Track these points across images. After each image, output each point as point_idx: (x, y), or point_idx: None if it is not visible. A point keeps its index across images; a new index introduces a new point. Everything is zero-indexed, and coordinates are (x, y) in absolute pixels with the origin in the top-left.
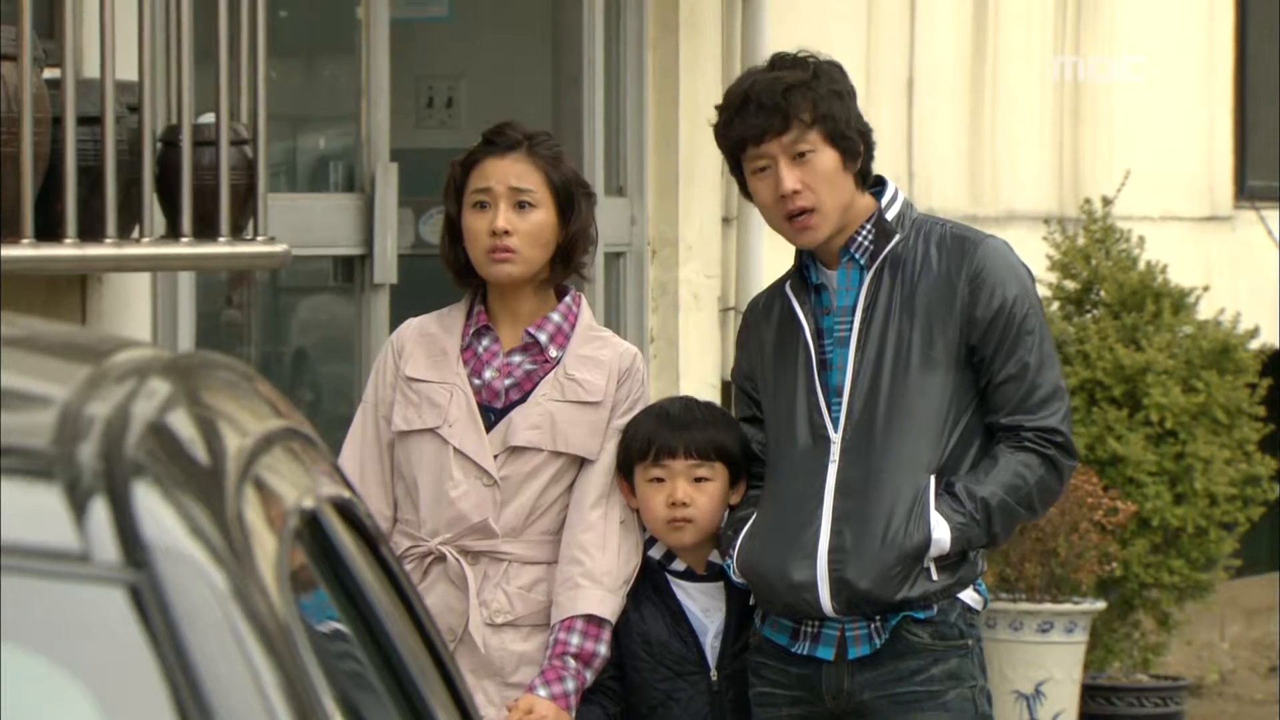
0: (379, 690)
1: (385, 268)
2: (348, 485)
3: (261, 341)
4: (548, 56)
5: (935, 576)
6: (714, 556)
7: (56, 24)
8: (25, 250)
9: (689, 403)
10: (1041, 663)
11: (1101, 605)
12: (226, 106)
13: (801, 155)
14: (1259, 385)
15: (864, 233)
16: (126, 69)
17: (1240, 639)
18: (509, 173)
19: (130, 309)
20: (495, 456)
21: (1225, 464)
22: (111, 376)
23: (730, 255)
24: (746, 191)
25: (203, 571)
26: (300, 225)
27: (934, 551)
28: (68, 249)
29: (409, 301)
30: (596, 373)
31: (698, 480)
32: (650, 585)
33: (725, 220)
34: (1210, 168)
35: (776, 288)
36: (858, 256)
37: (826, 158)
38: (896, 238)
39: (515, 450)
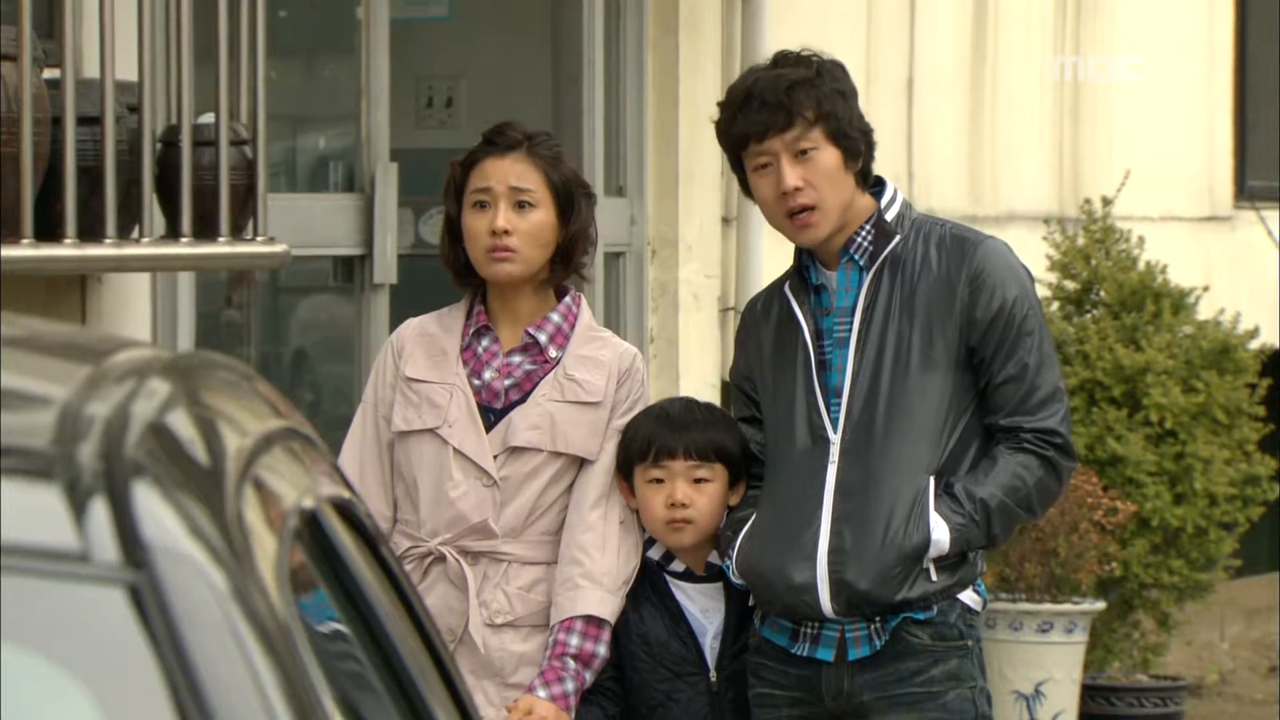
0: (379, 690)
1: (385, 268)
2: (348, 485)
3: (261, 341)
4: (548, 56)
5: (935, 577)
6: (713, 557)
7: (56, 24)
8: (25, 250)
9: (689, 403)
10: (1041, 663)
11: (1101, 605)
12: (226, 106)
13: (804, 153)
14: (1259, 385)
15: (863, 233)
16: (126, 69)
17: (1240, 639)
18: (509, 172)
19: (130, 309)
20: (495, 457)
21: (1225, 464)
22: (111, 376)
23: (730, 255)
24: (747, 189)
25: (202, 571)
26: (300, 225)
27: (933, 552)
28: (67, 249)
29: (409, 301)
30: (596, 373)
31: (697, 481)
32: (649, 586)
33: (725, 220)
34: (1210, 168)
35: (775, 288)
36: (857, 257)
37: (828, 156)
38: (896, 238)
39: (515, 451)
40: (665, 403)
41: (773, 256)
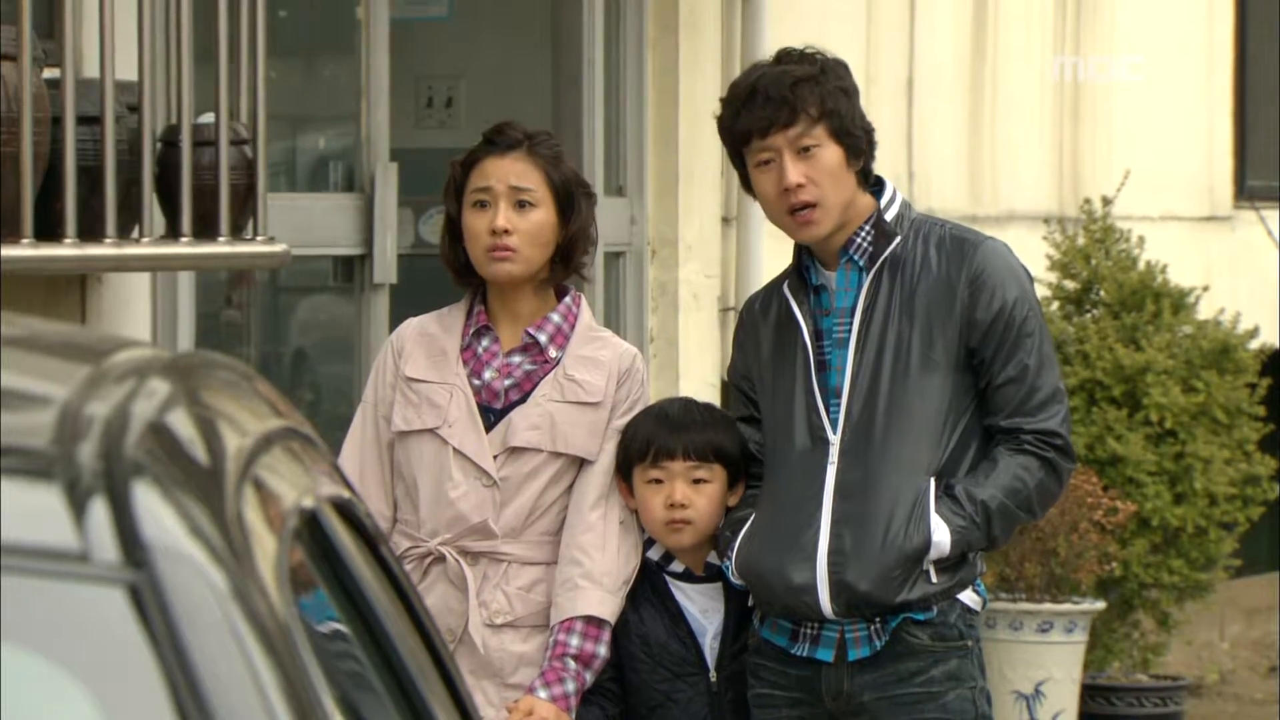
0: (379, 690)
1: (385, 268)
2: (347, 485)
3: (261, 341)
4: (547, 56)
5: (935, 579)
6: (712, 558)
7: (56, 24)
8: (25, 250)
9: (688, 404)
10: (1041, 663)
11: (1101, 605)
12: (226, 106)
13: (806, 150)
14: (1259, 385)
15: (863, 234)
16: (126, 69)
17: (1240, 639)
18: (509, 172)
19: (130, 309)
20: (495, 457)
21: (1225, 464)
22: (111, 376)
23: (730, 255)
24: (748, 185)
25: (202, 571)
26: (300, 225)
27: (934, 554)
28: (67, 249)
29: (409, 301)
30: (596, 373)
31: (696, 482)
32: (649, 586)
33: (725, 220)
34: (1210, 168)
35: (773, 287)
36: (856, 258)
37: (831, 153)
38: (896, 239)
39: (515, 451)
40: (664, 403)
41: (772, 256)
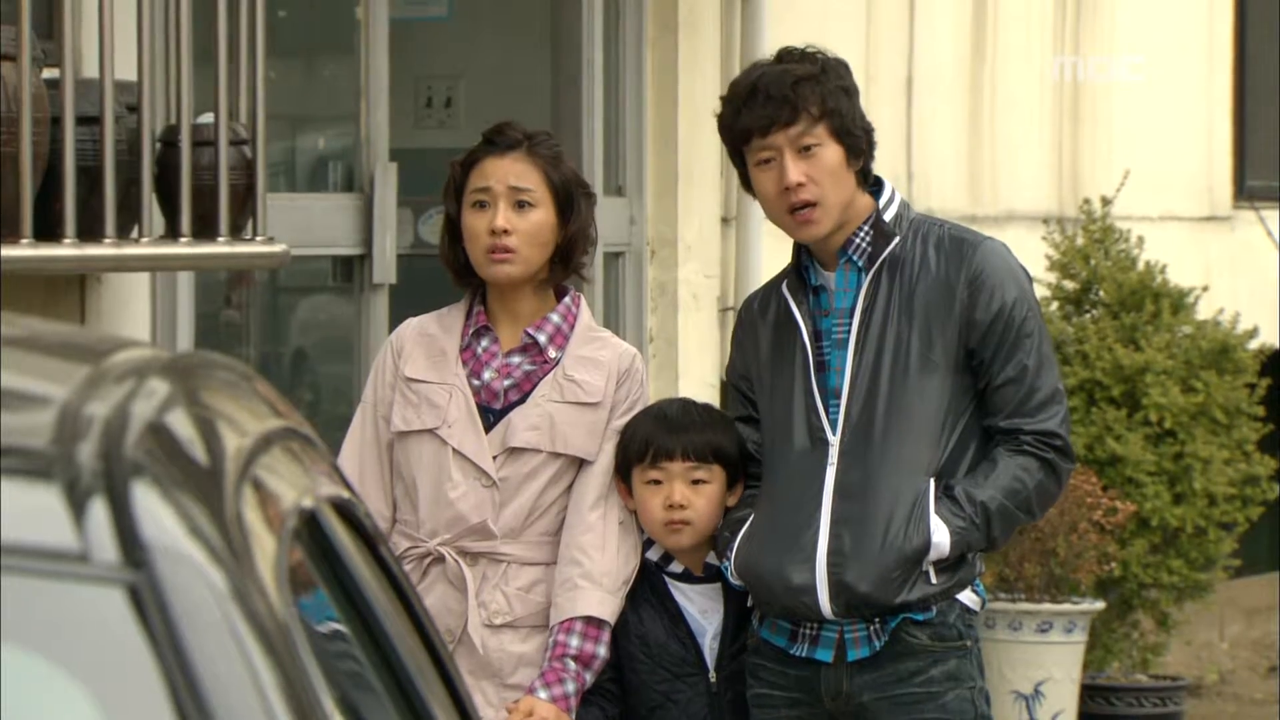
0: (378, 690)
1: (384, 268)
2: (347, 485)
3: (261, 341)
4: (547, 56)
5: (934, 579)
6: (711, 558)
7: (56, 24)
8: (24, 250)
9: (687, 405)
10: (1041, 663)
11: (1100, 605)
12: (226, 106)
13: (807, 149)
14: (1258, 385)
15: (862, 234)
16: (125, 69)
17: (1240, 639)
18: (509, 172)
19: (129, 309)
20: (494, 457)
21: (1224, 464)
22: (111, 376)
23: (729, 255)
24: (747, 184)
25: (202, 571)
26: (299, 225)
27: (933, 555)
28: (67, 249)
29: (408, 301)
30: (596, 374)
31: (695, 483)
32: (648, 587)
33: (724, 220)
34: (1210, 168)
35: (772, 287)
36: (855, 258)
37: (831, 152)
38: (895, 240)
39: (514, 451)
40: (663, 404)
41: (772, 256)
